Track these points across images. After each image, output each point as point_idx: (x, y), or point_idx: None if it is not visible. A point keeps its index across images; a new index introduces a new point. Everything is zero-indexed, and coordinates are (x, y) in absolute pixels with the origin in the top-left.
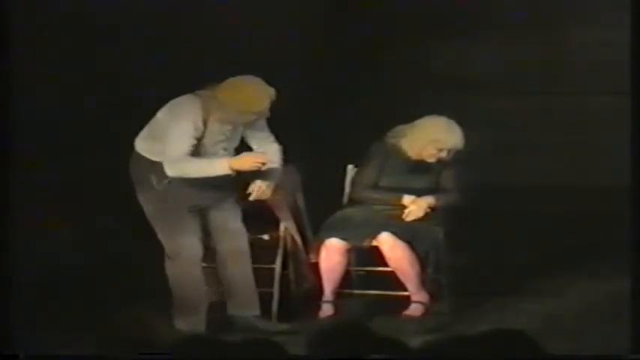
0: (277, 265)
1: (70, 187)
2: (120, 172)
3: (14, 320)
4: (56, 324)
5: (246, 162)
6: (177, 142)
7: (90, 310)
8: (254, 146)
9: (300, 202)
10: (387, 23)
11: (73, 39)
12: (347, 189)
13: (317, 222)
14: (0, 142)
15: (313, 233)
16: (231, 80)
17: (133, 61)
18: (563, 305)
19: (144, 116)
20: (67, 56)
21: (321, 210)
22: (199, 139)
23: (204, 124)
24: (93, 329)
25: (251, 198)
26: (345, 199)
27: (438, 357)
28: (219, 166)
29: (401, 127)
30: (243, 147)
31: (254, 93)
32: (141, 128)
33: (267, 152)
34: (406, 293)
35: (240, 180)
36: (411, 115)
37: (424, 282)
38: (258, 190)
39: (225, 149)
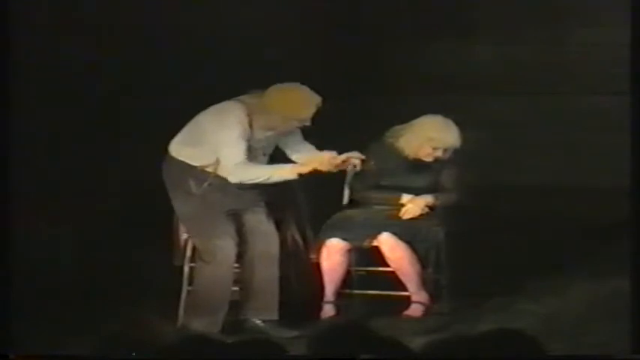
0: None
1: (70, 187)
2: (120, 172)
3: (14, 320)
4: (56, 324)
5: (316, 162)
6: (233, 148)
7: (89, 310)
8: (291, 153)
9: (301, 202)
10: (387, 23)
11: (72, 38)
12: (347, 189)
13: (317, 222)
14: (0, 142)
15: (314, 233)
16: (278, 87)
17: (132, 62)
18: (563, 305)
19: (144, 117)
20: (66, 55)
21: (321, 210)
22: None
23: (250, 129)
24: (93, 329)
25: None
26: (345, 199)
27: (438, 357)
28: (287, 172)
29: (398, 127)
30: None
31: (302, 99)
32: (141, 129)
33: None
34: (406, 293)
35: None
36: (410, 115)
37: (424, 282)
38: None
39: (264, 154)
